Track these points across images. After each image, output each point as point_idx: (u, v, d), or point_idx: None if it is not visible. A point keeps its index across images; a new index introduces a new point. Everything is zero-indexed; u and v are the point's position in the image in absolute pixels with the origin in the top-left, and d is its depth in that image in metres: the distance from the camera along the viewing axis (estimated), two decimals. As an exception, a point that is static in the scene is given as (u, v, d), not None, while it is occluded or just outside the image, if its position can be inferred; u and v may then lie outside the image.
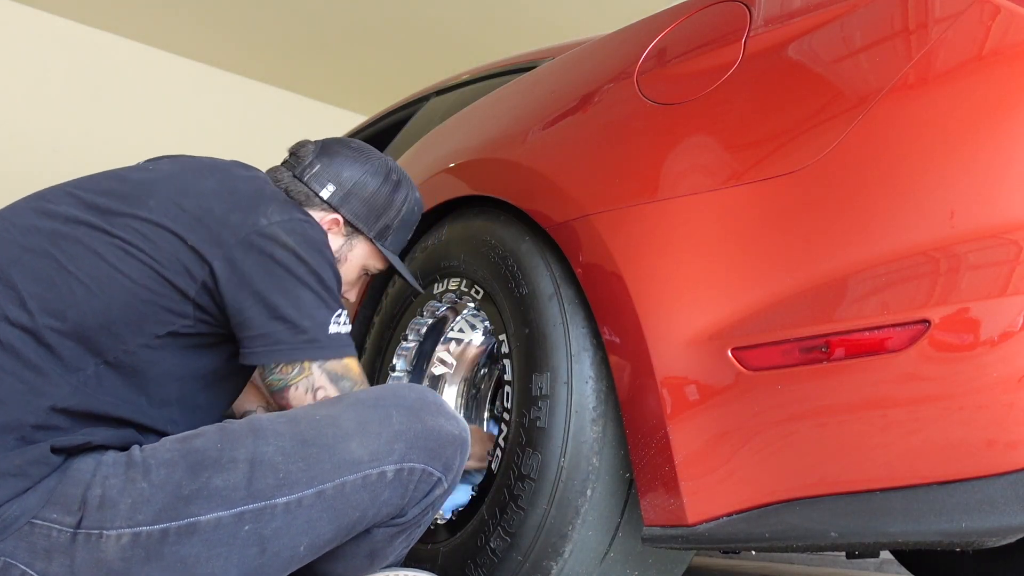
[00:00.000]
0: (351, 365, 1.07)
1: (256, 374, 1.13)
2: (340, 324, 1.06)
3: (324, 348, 1.04)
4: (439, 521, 1.28)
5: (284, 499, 0.92)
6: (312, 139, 1.25)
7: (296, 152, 1.22)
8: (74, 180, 1.07)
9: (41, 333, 0.93)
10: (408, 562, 1.28)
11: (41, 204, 1.03)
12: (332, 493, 0.94)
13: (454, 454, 1.02)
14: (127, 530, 0.88)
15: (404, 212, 1.25)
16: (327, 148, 1.22)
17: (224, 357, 1.06)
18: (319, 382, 1.04)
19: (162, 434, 0.99)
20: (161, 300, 0.98)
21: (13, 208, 1.04)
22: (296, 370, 1.03)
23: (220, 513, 0.90)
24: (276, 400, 1.05)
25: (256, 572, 0.92)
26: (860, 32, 1.02)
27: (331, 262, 1.07)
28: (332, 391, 1.04)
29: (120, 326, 0.96)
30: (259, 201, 1.06)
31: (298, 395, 1.03)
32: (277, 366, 1.03)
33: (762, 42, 1.10)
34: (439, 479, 1.02)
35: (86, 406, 0.94)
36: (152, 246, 0.99)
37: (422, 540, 1.28)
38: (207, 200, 1.03)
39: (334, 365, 1.05)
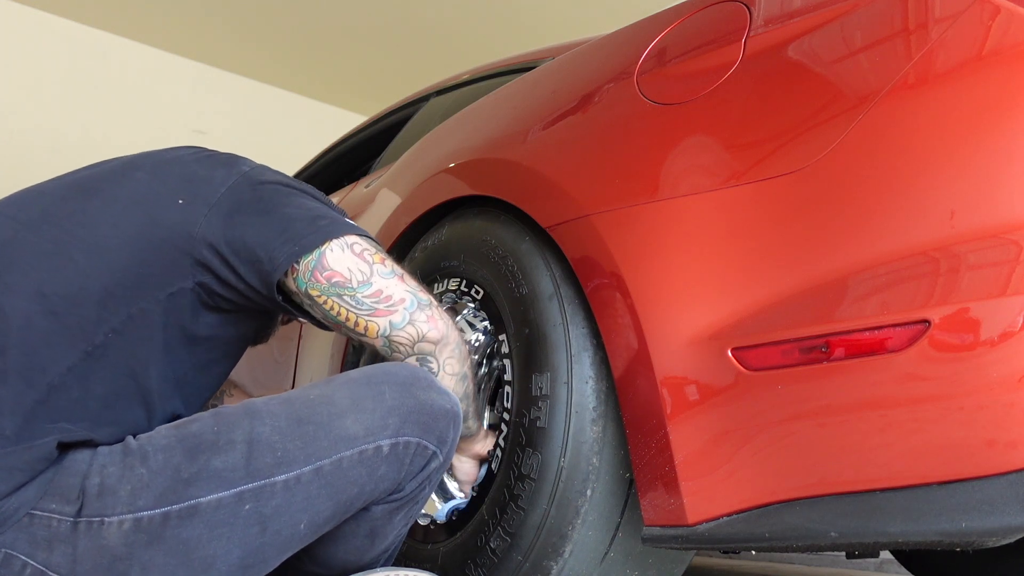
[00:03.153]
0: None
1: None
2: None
3: (348, 227, 1.08)
4: (439, 521, 1.28)
5: (283, 477, 0.93)
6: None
7: None
8: (43, 182, 1.09)
9: (46, 303, 0.94)
10: (408, 562, 1.28)
11: (27, 197, 1.05)
12: (330, 469, 0.95)
13: (447, 427, 1.03)
14: (128, 516, 0.88)
15: None
16: None
17: (222, 327, 1.08)
18: (351, 239, 1.07)
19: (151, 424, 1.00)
20: (161, 260, 1.00)
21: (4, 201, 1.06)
22: (328, 243, 1.05)
23: (220, 494, 0.90)
24: (315, 277, 1.05)
25: (257, 551, 0.93)
26: (860, 32, 1.02)
27: None
28: (367, 245, 1.08)
29: (123, 289, 0.98)
30: (235, 157, 1.13)
31: (335, 256, 1.05)
32: (310, 251, 1.05)
33: (762, 42, 1.10)
34: (434, 452, 1.02)
35: (89, 382, 0.95)
36: (145, 209, 1.02)
37: (422, 540, 1.28)
38: (189, 166, 1.08)
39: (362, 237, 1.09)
